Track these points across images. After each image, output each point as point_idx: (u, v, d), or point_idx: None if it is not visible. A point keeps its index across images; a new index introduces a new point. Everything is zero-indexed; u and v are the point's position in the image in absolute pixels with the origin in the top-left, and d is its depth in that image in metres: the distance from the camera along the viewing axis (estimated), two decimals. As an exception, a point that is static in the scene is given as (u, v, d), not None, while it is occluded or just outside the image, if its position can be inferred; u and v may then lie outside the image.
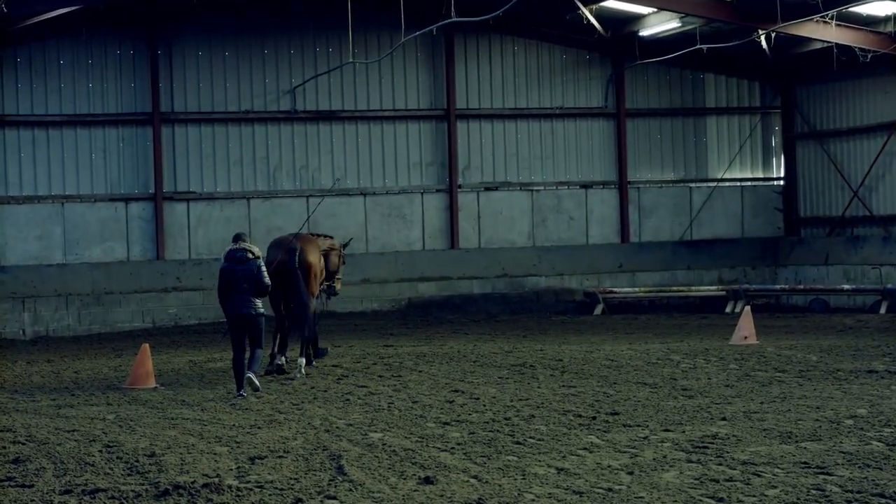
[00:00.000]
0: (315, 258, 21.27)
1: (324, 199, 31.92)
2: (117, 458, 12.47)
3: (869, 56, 31.02)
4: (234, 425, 14.55)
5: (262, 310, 17.78)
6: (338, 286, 23.43)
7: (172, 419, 15.21)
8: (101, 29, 32.52)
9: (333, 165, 34.18)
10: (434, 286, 34.24)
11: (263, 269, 17.84)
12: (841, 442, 12.42)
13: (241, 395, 17.34)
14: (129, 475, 11.61)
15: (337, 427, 14.24)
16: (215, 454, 12.57)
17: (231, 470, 11.74)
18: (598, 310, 33.93)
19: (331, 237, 23.79)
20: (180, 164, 33.21)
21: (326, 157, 34.13)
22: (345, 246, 24.06)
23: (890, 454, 11.69)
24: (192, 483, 10.98)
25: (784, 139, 37.64)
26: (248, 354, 17.76)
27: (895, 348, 21.78)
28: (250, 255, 17.79)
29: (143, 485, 11.08)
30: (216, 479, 11.16)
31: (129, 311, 32.30)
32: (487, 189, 35.44)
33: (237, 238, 18.15)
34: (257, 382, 17.76)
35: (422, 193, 34.89)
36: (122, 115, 32.73)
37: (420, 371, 20.13)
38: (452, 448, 12.67)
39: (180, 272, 32.85)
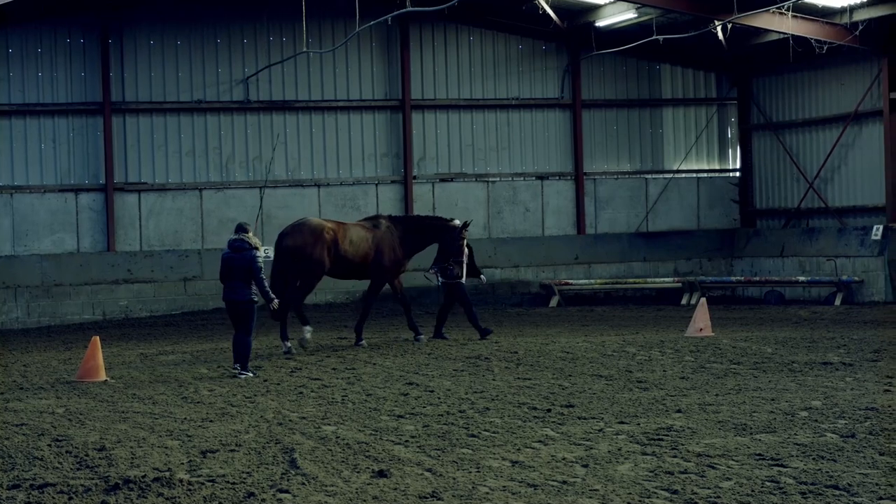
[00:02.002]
0: (302, 245, 22.52)
1: (276, 190, 31.84)
2: (66, 452, 12.39)
3: (825, 47, 31.21)
4: (185, 419, 14.49)
5: (254, 297, 18.81)
6: (457, 270, 23.84)
7: (123, 413, 15.13)
8: (51, 17, 32.28)
9: (287, 156, 34.07)
10: (389, 278, 34.21)
11: (258, 260, 18.84)
12: (795, 434, 12.51)
13: (236, 369, 18.84)
14: (78, 469, 11.54)
15: (290, 420, 14.21)
16: (166, 448, 12.51)
17: (182, 464, 11.69)
18: (554, 302, 34.02)
19: (444, 219, 24.47)
20: (131, 154, 33.01)
21: (280, 148, 34.00)
22: (464, 227, 24.18)
23: (844, 446, 11.78)
24: (143, 477, 10.93)
25: (740, 130, 37.85)
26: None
27: (850, 340, 21.94)
28: (247, 246, 18.82)
29: (92, 479, 11.01)
30: (167, 473, 11.11)
31: (79, 303, 32.09)
32: (443, 180, 35.44)
33: (238, 228, 19.16)
34: (243, 376, 18.66)
35: (376, 185, 34.85)
36: (73, 105, 32.51)
37: (374, 364, 20.11)
38: (406, 441, 12.66)
39: (131, 264, 32.67)
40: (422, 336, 23.72)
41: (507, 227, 35.81)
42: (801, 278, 33.49)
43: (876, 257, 32.15)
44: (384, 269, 23.66)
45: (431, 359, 20.60)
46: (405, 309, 24.02)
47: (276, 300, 19.21)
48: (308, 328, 22.59)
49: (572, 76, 36.32)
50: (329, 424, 13.85)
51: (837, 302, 31.74)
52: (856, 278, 32.30)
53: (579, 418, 13.93)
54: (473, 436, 12.91)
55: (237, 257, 18.80)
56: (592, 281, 35.32)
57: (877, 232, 32.29)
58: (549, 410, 14.53)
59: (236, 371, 18.84)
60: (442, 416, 14.32)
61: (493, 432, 13.11)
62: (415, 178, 35.00)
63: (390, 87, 34.97)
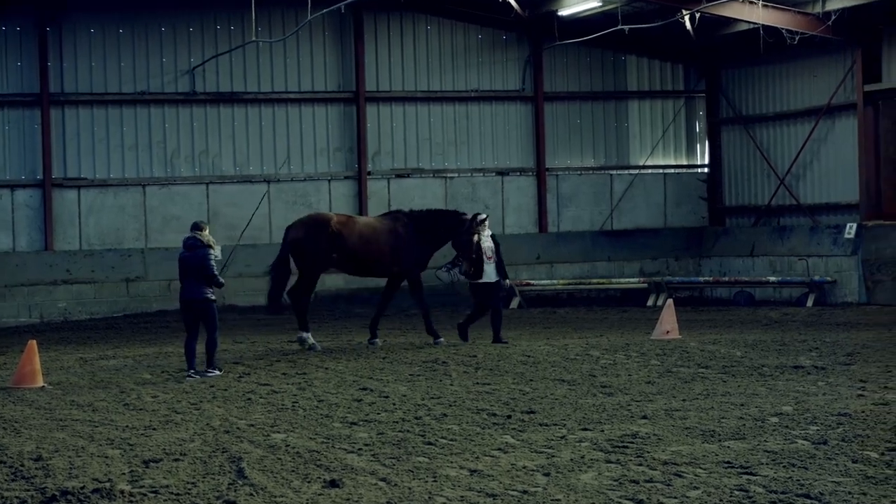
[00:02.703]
0: (304, 238, 23.18)
1: (224, 186, 31.75)
2: (1, 462, 12.30)
3: (797, 38, 31.38)
4: (127, 426, 14.41)
5: (210, 296, 19.35)
6: (466, 266, 23.51)
7: (61, 420, 15.04)
8: (-15, 3, 32.07)
9: (235, 150, 33.97)
10: (341, 278, 34.06)
11: (211, 259, 19.31)
12: (765, 440, 12.56)
13: (191, 374, 19.08)
14: (13, 480, 11.45)
15: (237, 428, 14.16)
16: (107, 457, 12.44)
17: (123, 474, 11.62)
18: (515, 303, 34.05)
19: (459, 213, 24.32)
20: (70, 148, 32.82)
21: (228, 142, 33.91)
22: (480, 222, 23.60)
23: (816, 453, 11.83)
24: (82, 488, 10.85)
25: (709, 125, 38.02)
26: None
27: (822, 343, 22.07)
28: (199, 244, 19.37)
29: (28, 490, 10.93)
30: (107, 484, 11.04)
31: (15, 304, 31.89)
32: (399, 176, 35.42)
33: (193, 226, 19.70)
34: (210, 372, 19.31)
35: (329, 180, 34.80)
36: (8, 97, 32.30)
37: (326, 368, 20.07)
38: (360, 449, 12.64)
39: (70, 264, 32.48)
40: (441, 339, 23.55)
41: (465, 225, 35.79)
42: (772, 278, 33.68)
43: (849, 257, 32.36)
44: (410, 266, 23.78)
45: (386, 363, 20.57)
46: (378, 308, 24.25)
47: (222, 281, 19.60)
48: (304, 335, 23.05)
49: (534, 68, 36.38)
50: (279, 432, 13.81)
51: (809, 303, 31.92)
52: (828, 278, 32.51)
53: (541, 425, 13.94)
54: (430, 443, 12.90)
55: (191, 256, 19.36)
56: (555, 281, 35.39)
57: (850, 230, 32.50)
58: (509, 417, 14.53)
59: (192, 376, 19.15)
60: (397, 422, 14.30)
61: (451, 440, 13.10)
62: (369, 173, 34.97)
63: (344, 79, 34.92)
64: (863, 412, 14.05)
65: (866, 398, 15.33)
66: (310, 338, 23.10)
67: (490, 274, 23.43)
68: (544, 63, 36.43)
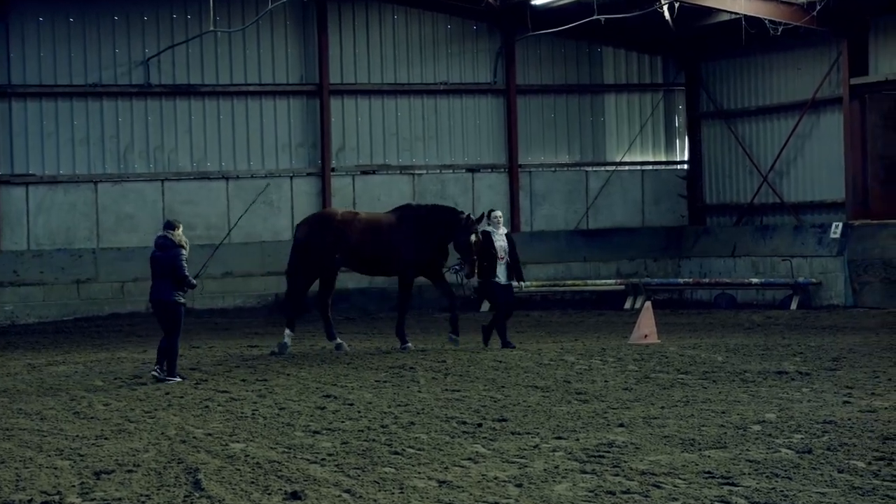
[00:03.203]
0: (308, 235, 23.55)
1: (180, 183, 31.64)
2: (-56, 474, 12.23)
3: (780, 29, 31.45)
4: (77, 436, 14.35)
5: (180, 299, 19.60)
6: (468, 269, 23.21)
7: (7, 430, 14.96)
8: (-72, -10, 31.89)
9: (192, 146, 33.87)
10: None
11: (182, 259, 19.52)
12: (747, 449, 12.58)
13: (155, 371, 19.57)
14: (-44, 493, 11.38)
15: (194, 437, 14.11)
16: (56, 469, 12.38)
17: (73, 486, 11.56)
18: (486, 306, 34.03)
19: (456, 210, 24.08)
20: (18, 143, 32.66)
21: (184, 137, 33.80)
22: (478, 220, 23.44)
23: (800, 462, 11.86)
24: (29, 501, 10.80)
25: (688, 119, 38.10)
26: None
27: (807, 347, 22.14)
28: (170, 244, 19.61)
29: (-28, 504, 10.87)
30: (56, 497, 10.99)
31: (-40, 308, 31.77)
32: (364, 173, 35.39)
33: (166, 225, 20.09)
34: (171, 382, 19.28)
35: (291, 177, 34.74)
36: (-48, 88, 32.16)
37: (288, 374, 20.04)
38: (323, 459, 12.62)
39: (18, 265, 32.33)
40: (408, 345, 23.44)
41: (434, 224, 35.78)
42: (755, 280, 33.77)
43: (835, 257, 32.46)
44: (405, 264, 23.69)
45: (351, 369, 20.55)
46: (398, 311, 24.23)
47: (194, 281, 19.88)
48: (288, 333, 23.44)
49: (506, 59, 36.39)
50: (237, 441, 13.77)
51: (793, 306, 32.03)
52: (813, 280, 32.61)
53: (513, 433, 13.94)
54: (397, 453, 12.89)
55: (162, 256, 19.60)
56: (528, 283, 35.36)
57: (836, 230, 32.61)
58: (479, 425, 14.53)
59: (156, 374, 19.51)
60: (362, 431, 14.28)
61: (419, 449, 13.09)
62: (333, 170, 34.92)
63: (306, 71, 34.86)
64: (849, 420, 14.10)
65: (853, 405, 15.38)
66: (338, 341, 23.66)
67: (502, 275, 23.11)
68: (517, 55, 36.44)
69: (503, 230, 23.41)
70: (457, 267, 23.55)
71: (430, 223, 23.66)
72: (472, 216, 23.48)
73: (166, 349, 19.67)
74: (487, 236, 23.07)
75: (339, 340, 23.73)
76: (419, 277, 24.26)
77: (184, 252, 19.63)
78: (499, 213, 23.56)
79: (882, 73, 31.98)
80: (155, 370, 19.64)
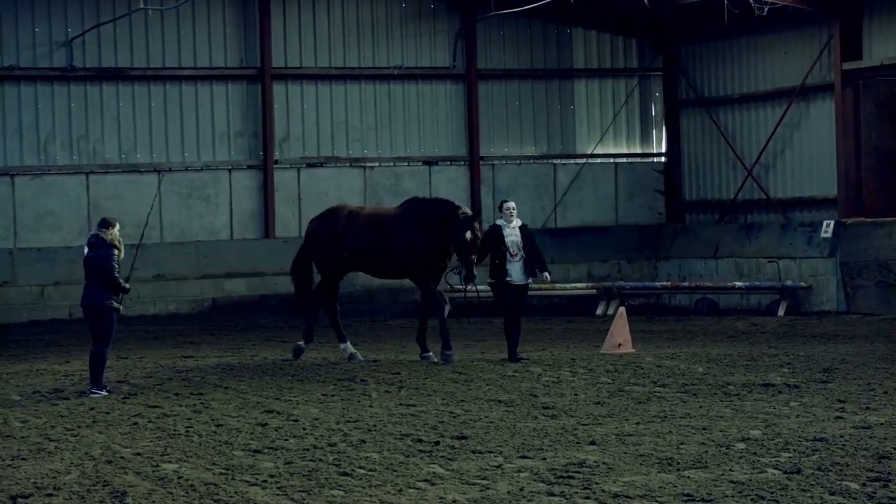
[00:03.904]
0: (314, 231, 23.92)
1: (107, 176, 31.51)
2: None
3: (766, 9, 31.56)
4: (-8, 456, 14.27)
5: (113, 304, 19.74)
6: (465, 270, 22.69)
7: (-86, 450, 14.86)
8: None
9: (120, 135, 33.73)
10: (244, 284, 34.05)
11: (114, 260, 19.60)
12: (730, 469, 12.61)
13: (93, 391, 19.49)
14: None
15: (121, 457, 14.05)
16: (-32, 492, 12.30)
17: (-13, 512, 11.50)
18: (445, 312, 33.97)
19: (454, 204, 23.25)
20: (-73, 132, 32.52)
21: (112, 126, 33.66)
22: (475, 216, 22.94)
23: (787, 484, 11.90)
24: (-62, 529, 10.74)
25: (666, 107, 38.21)
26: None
27: (795, 357, 22.22)
28: (101, 243, 19.71)
29: None
30: (-32, 524, 10.92)
31: None
32: (310, 165, 35.35)
33: (101, 223, 20.06)
34: (94, 395, 19.26)
35: (229, 170, 34.67)
36: None
37: (226, 387, 19.98)
38: (264, 481, 12.58)
39: (-73, 266, 32.17)
40: (429, 354, 23.11)
41: (387, 222, 35.76)
42: (738, 284, 33.86)
43: (826, 258, 32.61)
44: (410, 264, 23.36)
45: (296, 381, 20.50)
46: (419, 317, 23.96)
47: (126, 285, 19.97)
48: (343, 345, 23.58)
49: (466, 42, 36.41)
50: (170, 462, 13.72)
51: (781, 311, 32.14)
52: (802, 283, 32.74)
53: (473, 452, 13.94)
54: (346, 474, 12.86)
55: (93, 256, 19.72)
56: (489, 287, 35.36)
57: (827, 228, 32.75)
58: (437, 443, 14.52)
59: (91, 390, 19.59)
60: (308, 450, 14.25)
61: (370, 470, 13.07)
62: (276, 162, 34.86)
63: (247, 53, 34.79)
64: (841, 437, 14.16)
65: (845, 421, 15.44)
66: (349, 347, 23.54)
67: (515, 275, 22.39)
68: (478, 36, 36.47)
69: (517, 223, 22.55)
70: (458, 268, 23.14)
71: (427, 218, 23.12)
72: (468, 210, 22.84)
73: (95, 358, 19.74)
74: (498, 231, 22.44)
75: (350, 349, 23.51)
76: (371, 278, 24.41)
77: (116, 252, 19.69)
78: (511, 204, 22.81)
79: (877, 58, 32.15)
80: (92, 391, 19.56)
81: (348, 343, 23.62)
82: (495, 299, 23.15)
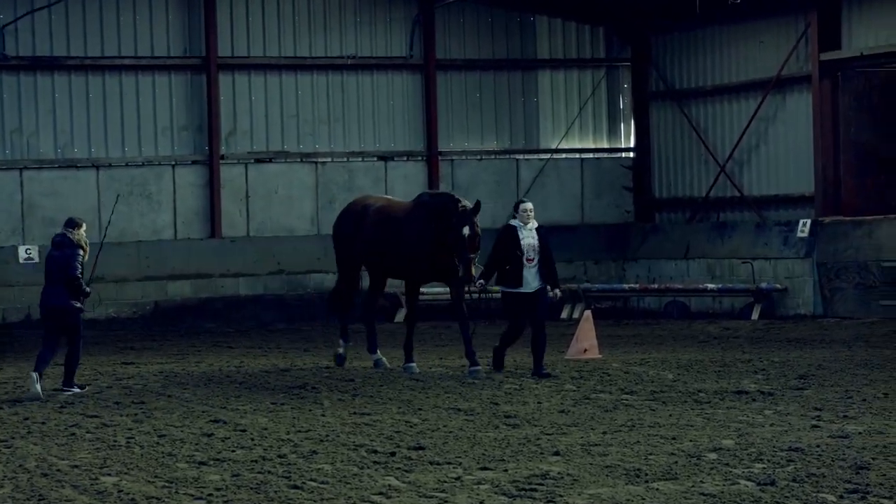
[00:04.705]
0: (335, 226, 24.15)
1: (42, 172, 31.39)
2: None
3: (739, -4, 31.72)
4: (-80, 469, 14.22)
5: (76, 304, 20.44)
6: (473, 270, 21.80)
7: None
8: None
9: (56, 129, 33.60)
10: (189, 286, 33.97)
11: (77, 260, 20.30)
12: (702, 481, 12.67)
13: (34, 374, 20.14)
14: None
15: (58, 470, 14.01)
16: None
17: (-85, 528, 11.47)
18: (401, 315, 34.03)
19: (455, 197, 22.46)
20: None
21: (47, 118, 33.54)
22: (474, 210, 21.89)
23: (762, 496, 11.96)
24: None
25: (635, 100, 38.27)
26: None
27: (770, 363, 22.32)
28: (67, 242, 20.43)
29: None
30: None
31: None
32: (259, 160, 35.30)
33: (67, 222, 20.77)
34: (69, 392, 20.30)
35: (173, 166, 34.58)
36: None
37: (169, 396, 19.96)
38: (210, 495, 12.58)
39: None
40: (411, 365, 22.66)
41: (340, 220, 35.73)
42: (711, 286, 33.97)
43: (802, 259, 32.75)
44: (406, 263, 22.96)
45: (244, 389, 20.50)
46: (406, 324, 23.91)
47: (87, 289, 20.63)
48: (342, 344, 23.73)
49: (424, 30, 36.41)
50: (109, 475, 13.70)
51: (755, 315, 32.26)
52: (778, 285, 32.87)
53: (431, 463, 13.96)
54: (296, 487, 12.88)
55: (57, 255, 20.43)
56: (448, 289, 35.35)
57: (803, 228, 32.87)
58: (393, 454, 14.54)
59: (66, 390, 20.45)
60: (256, 462, 14.25)
61: (322, 482, 13.09)
62: (223, 157, 34.79)
63: (191, 42, 34.71)
64: (818, 447, 14.24)
65: (822, 430, 15.54)
66: (341, 348, 23.72)
67: (530, 281, 21.28)
68: (436, 24, 36.47)
69: (532, 224, 21.39)
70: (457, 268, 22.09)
71: (430, 212, 22.46)
72: (467, 204, 21.98)
73: (46, 359, 20.44)
74: (512, 232, 21.35)
75: (378, 355, 23.42)
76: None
77: (81, 253, 20.38)
78: (529, 205, 21.58)
79: (856, 48, 32.29)
80: (64, 389, 20.45)
81: (342, 343, 23.72)
82: (505, 308, 21.99)
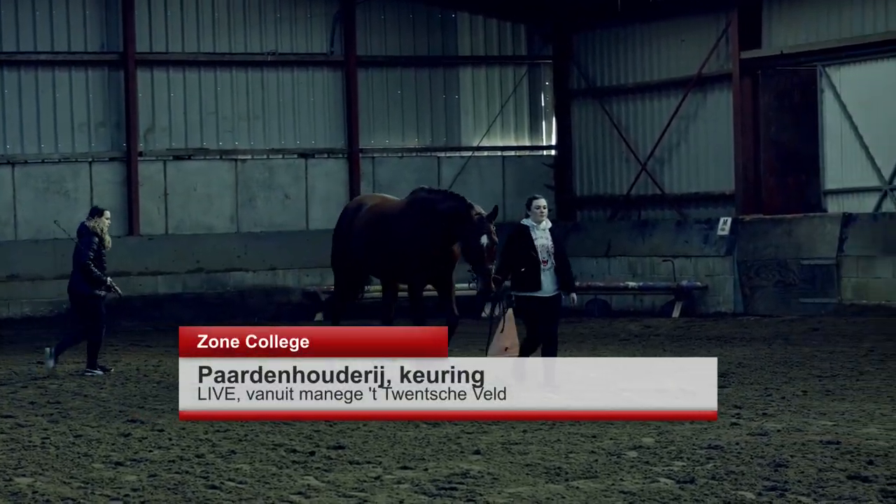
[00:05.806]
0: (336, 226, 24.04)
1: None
2: None
3: (661, -6, 31.86)
4: None
5: (96, 290, 21.96)
6: (481, 283, 21.04)
7: None
8: None
9: (-29, 125, 33.39)
10: (105, 284, 33.74)
11: (90, 246, 21.75)
12: (621, 479, 12.72)
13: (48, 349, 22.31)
14: None
15: (-28, 471, 13.92)
16: None
17: None
18: (321, 315, 33.99)
19: (465, 201, 21.45)
20: None
21: (-39, 114, 33.32)
22: (491, 216, 21.20)
23: (681, 494, 12.02)
24: None
25: (556, 98, 38.35)
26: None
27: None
28: (85, 231, 21.95)
29: None
30: None
31: None
32: (177, 158, 35.14)
33: (91, 212, 22.49)
34: (89, 374, 21.87)
35: (90, 163, 34.37)
36: None
37: (85, 395, 19.84)
38: (127, 496, 12.52)
39: None
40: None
41: (261, 218, 35.66)
42: (632, 283, 34.11)
43: (723, 257, 32.93)
44: (398, 262, 22.18)
45: (161, 389, 20.41)
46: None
47: (109, 282, 22.09)
48: None
49: (345, 26, 36.35)
50: (24, 475, 13.60)
51: (676, 313, 32.43)
52: (698, 283, 33.05)
53: (351, 463, 13.95)
54: (214, 487, 12.83)
55: (77, 244, 22.10)
56: (371, 288, 35.35)
57: (724, 226, 33.06)
58: (312, 454, 14.52)
59: (88, 372, 22.00)
60: (173, 462, 14.19)
61: (240, 483, 13.04)
62: (141, 154, 34.61)
63: (109, 37, 34.50)
64: (737, 444, 14.33)
65: (741, 427, 15.64)
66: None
67: (547, 286, 19.93)
68: (357, 21, 36.41)
69: (546, 224, 19.98)
70: (473, 277, 21.55)
71: (436, 215, 21.44)
72: (481, 210, 21.11)
73: (67, 345, 22.49)
74: (525, 233, 19.94)
75: None
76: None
77: (95, 240, 21.77)
78: (543, 202, 20.03)
79: (776, 46, 32.51)
80: (86, 371, 22.02)
81: None
82: (520, 315, 20.61)
